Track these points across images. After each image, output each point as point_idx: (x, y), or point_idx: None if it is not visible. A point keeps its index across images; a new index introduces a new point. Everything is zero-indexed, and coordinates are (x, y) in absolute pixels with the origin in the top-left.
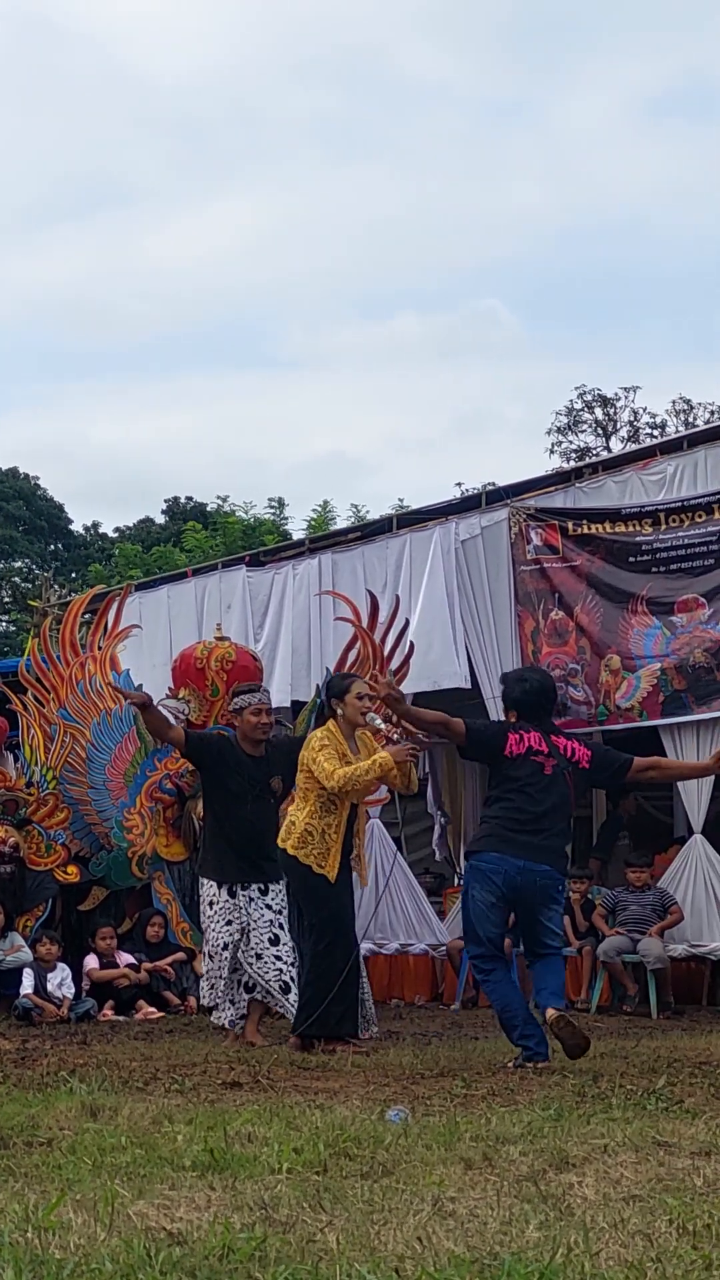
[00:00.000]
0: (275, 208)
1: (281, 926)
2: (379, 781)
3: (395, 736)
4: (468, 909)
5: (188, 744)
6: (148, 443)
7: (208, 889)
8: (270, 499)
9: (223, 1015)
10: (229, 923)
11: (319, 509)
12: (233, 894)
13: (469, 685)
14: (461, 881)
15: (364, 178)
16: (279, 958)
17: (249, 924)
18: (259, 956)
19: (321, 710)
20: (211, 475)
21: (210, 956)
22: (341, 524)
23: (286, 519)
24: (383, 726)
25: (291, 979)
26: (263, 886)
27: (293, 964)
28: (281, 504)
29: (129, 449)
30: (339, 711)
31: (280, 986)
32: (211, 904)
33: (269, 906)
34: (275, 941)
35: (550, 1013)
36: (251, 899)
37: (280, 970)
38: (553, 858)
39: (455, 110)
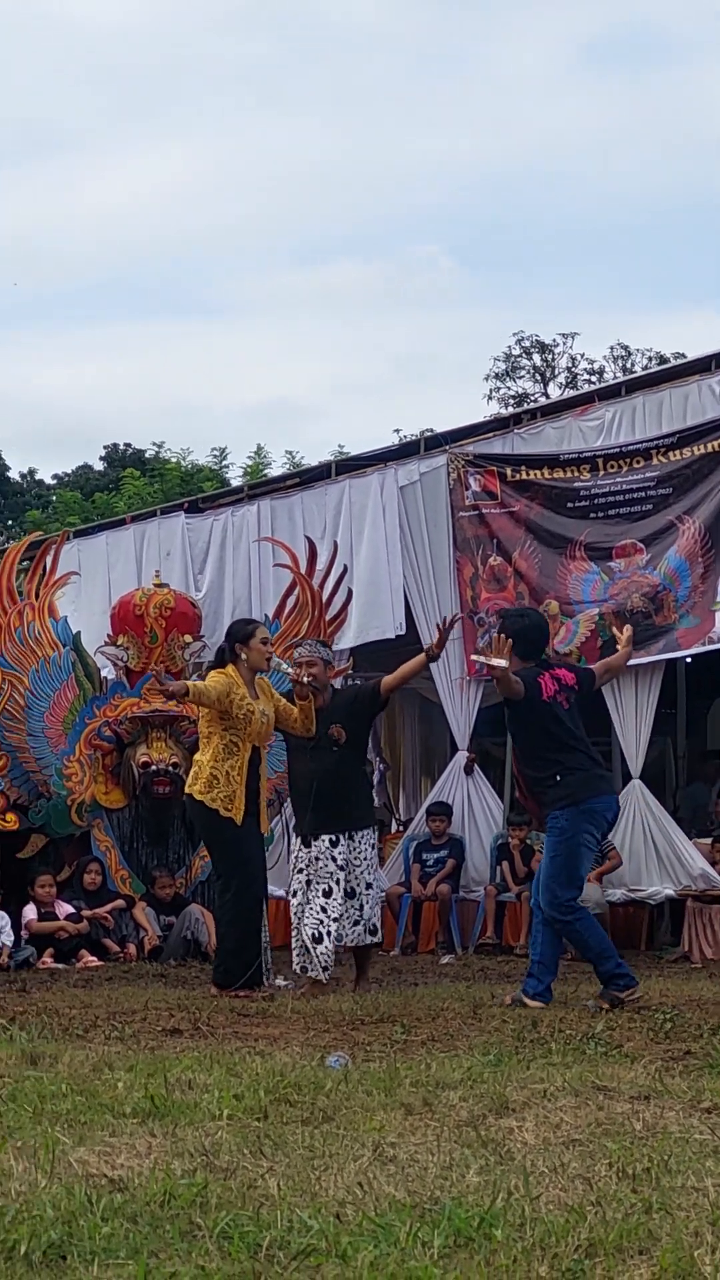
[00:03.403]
0: (209, 154)
1: (337, 881)
2: (265, 723)
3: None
4: (575, 852)
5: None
6: (85, 389)
7: (294, 841)
8: (213, 448)
9: (296, 961)
10: (299, 871)
11: (253, 456)
12: (306, 844)
13: (404, 632)
14: (562, 826)
15: (297, 125)
16: (324, 909)
17: (314, 875)
18: (309, 903)
19: (221, 655)
20: (150, 421)
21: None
22: (277, 471)
23: (227, 466)
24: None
25: (326, 931)
26: (334, 838)
27: (335, 917)
28: (224, 453)
29: (66, 395)
30: (241, 656)
31: (311, 935)
32: (292, 852)
33: (333, 859)
34: (328, 894)
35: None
36: (323, 850)
37: (320, 920)
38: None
39: (387, 57)
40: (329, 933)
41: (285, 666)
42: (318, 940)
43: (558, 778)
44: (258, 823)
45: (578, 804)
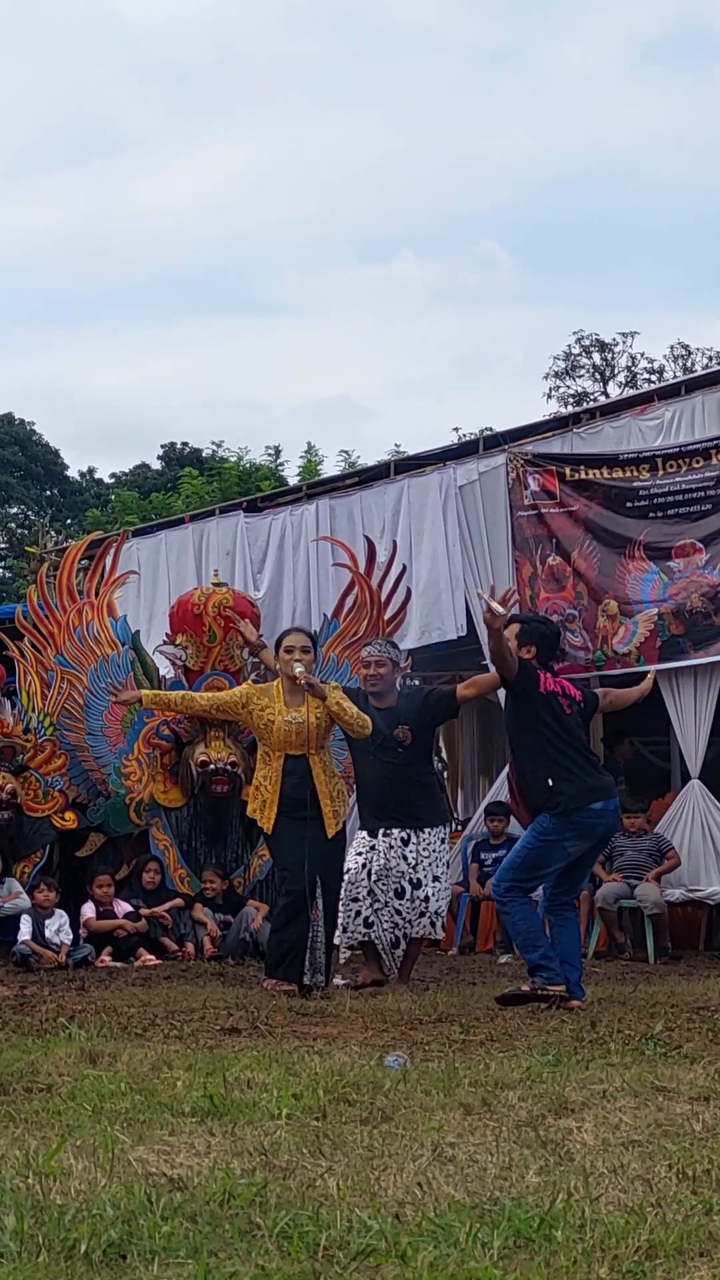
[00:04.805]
0: (267, 152)
1: (414, 882)
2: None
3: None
4: (546, 854)
5: None
6: (144, 387)
7: (355, 834)
8: (267, 447)
9: (341, 939)
10: (358, 854)
11: (305, 455)
12: (373, 833)
13: (465, 633)
14: (546, 828)
15: (356, 122)
16: (398, 911)
17: (386, 867)
18: (385, 904)
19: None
20: (208, 420)
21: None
22: (331, 469)
23: (283, 464)
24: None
25: (403, 935)
26: (405, 836)
27: (409, 921)
28: (278, 451)
29: (125, 394)
30: (276, 666)
31: (391, 939)
32: (351, 842)
33: (404, 858)
34: (400, 894)
35: (576, 1003)
36: (392, 846)
37: (396, 924)
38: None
39: (447, 55)
40: (404, 935)
41: (296, 669)
42: (395, 944)
43: (549, 782)
44: (312, 826)
45: (568, 815)
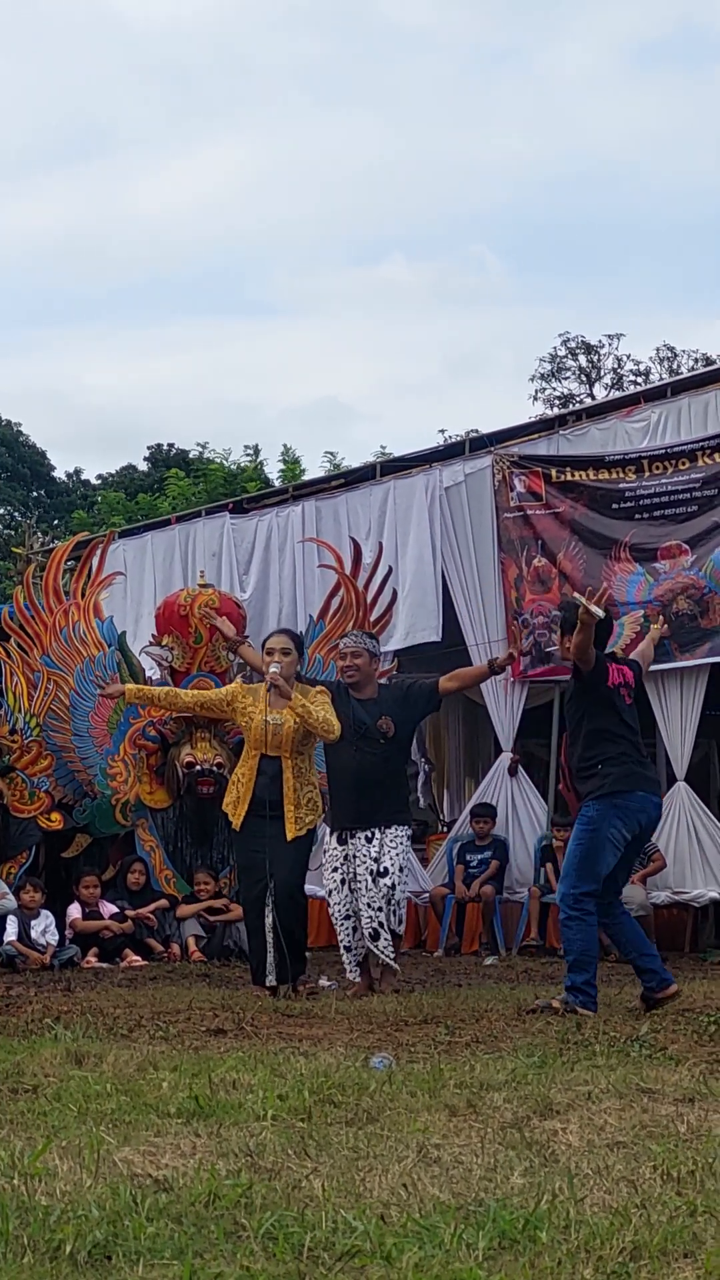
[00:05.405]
0: (263, 153)
1: (377, 874)
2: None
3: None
4: (598, 845)
5: None
6: (132, 389)
7: (324, 833)
8: (246, 447)
9: (346, 958)
10: (334, 870)
11: (283, 458)
12: (342, 840)
13: (439, 638)
14: (590, 816)
15: (352, 124)
16: (369, 904)
17: (354, 871)
18: (357, 903)
19: None
20: (200, 422)
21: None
22: (314, 472)
23: (262, 462)
24: (272, 671)
25: (380, 924)
26: (369, 834)
27: (379, 909)
28: (257, 451)
29: (113, 395)
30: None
31: (370, 933)
32: (325, 850)
33: (369, 855)
34: (366, 889)
35: (674, 989)
36: (359, 847)
37: (370, 917)
38: (659, 794)
39: (442, 57)
40: (382, 924)
41: (270, 669)
42: (375, 937)
43: (598, 766)
44: (273, 827)
45: (611, 797)
